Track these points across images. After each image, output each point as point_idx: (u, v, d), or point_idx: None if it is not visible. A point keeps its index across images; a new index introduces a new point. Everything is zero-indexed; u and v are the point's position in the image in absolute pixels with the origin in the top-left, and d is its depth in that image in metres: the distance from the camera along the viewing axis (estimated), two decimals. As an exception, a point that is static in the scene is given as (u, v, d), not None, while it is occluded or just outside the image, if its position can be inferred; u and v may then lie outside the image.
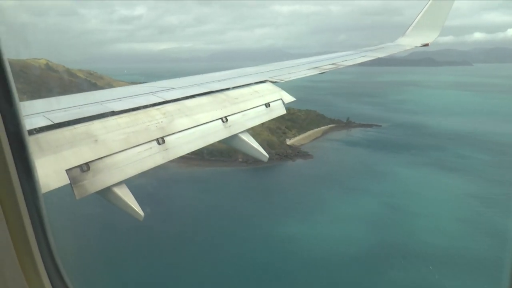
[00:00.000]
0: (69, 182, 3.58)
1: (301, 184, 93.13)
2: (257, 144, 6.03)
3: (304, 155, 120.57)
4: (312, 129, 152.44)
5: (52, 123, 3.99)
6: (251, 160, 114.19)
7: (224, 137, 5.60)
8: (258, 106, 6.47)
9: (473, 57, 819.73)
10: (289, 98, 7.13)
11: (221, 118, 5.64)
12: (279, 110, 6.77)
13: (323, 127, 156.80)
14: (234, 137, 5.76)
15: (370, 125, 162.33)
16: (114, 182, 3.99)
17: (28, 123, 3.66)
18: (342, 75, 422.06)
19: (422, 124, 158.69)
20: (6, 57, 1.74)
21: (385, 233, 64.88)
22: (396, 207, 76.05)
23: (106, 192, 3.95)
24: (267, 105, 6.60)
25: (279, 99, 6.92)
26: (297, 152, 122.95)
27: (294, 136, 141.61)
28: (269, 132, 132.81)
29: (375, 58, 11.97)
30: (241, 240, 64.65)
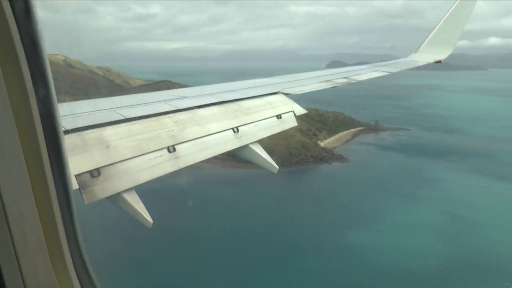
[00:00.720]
0: (78, 187, 3.55)
1: (346, 189, 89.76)
2: (268, 155, 5.89)
3: (339, 158, 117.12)
4: (341, 131, 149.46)
5: (64, 129, 3.88)
6: (286, 162, 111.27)
7: (235, 147, 5.46)
8: (269, 118, 6.39)
9: (488, 62, 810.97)
10: (300, 110, 7.01)
11: (233, 128, 5.57)
12: (290, 122, 6.70)
13: (352, 130, 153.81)
14: (245, 147, 5.63)
15: (399, 129, 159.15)
16: (124, 188, 3.92)
17: None
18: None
19: (453, 129, 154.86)
20: (47, 58, 1.76)
21: (454, 244, 61.51)
22: (459, 216, 72.45)
23: (116, 198, 3.89)
24: (279, 116, 6.53)
25: (291, 111, 6.81)
26: (331, 155, 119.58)
27: (325, 138, 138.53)
28: (301, 133, 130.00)
29: (387, 73, 11.76)
30: (306, 250, 61.15)
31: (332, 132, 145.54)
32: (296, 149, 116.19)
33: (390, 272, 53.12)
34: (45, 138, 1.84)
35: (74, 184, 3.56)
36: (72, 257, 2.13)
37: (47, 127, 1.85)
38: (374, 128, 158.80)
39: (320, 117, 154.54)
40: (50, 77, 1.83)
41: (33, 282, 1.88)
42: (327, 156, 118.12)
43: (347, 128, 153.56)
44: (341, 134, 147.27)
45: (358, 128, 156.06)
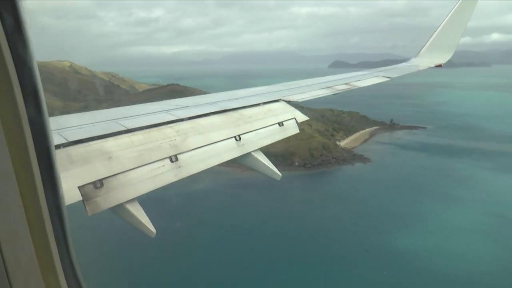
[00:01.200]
0: (81, 198, 3.61)
1: (378, 191, 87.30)
2: (270, 163, 5.75)
3: (361, 158, 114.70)
4: (357, 131, 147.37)
5: (66, 141, 4.02)
6: (308, 164, 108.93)
7: (237, 156, 5.43)
8: (271, 125, 6.31)
9: (491, 58, 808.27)
10: (302, 118, 7.01)
11: (235, 137, 5.56)
12: (292, 129, 6.62)
13: (368, 129, 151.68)
14: (248, 155, 5.58)
15: (415, 127, 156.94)
16: (127, 199, 3.96)
17: None
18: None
19: (470, 126, 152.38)
20: (39, 75, 1.77)
21: (504, 246, 58.90)
22: (502, 217, 69.90)
23: (119, 209, 3.92)
24: (281, 124, 6.46)
25: (293, 118, 6.79)
26: (352, 156, 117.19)
27: (343, 138, 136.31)
28: (319, 134, 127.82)
29: (388, 79, 11.72)
30: (352, 256, 58.74)
31: (349, 132, 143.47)
32: (317, 150, 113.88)
33: (443, 277, 50.64)
34: (36, 156, 1.82)
35: (77, 196, 3.58)
36: (65, 277, 2.10)
37: (38, 144, 1.83)
38: (389, 127, 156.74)
39: (335, 117, 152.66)
40: (41, 93, 1.81)
41: None
42: (348, 156, 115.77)
43: (363, 128, 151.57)
44: (358, 134, 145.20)
45: (373, 127, 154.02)
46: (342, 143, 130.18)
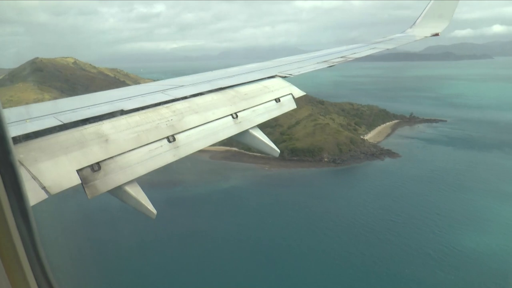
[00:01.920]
0: (80, 182, 3.58)
1: (417, 187, 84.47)
2: (268, 139, 5.78)
3: (390, 153, 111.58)
4: (378, 125, 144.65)
5: (62, 123, 4.00)
6: (338, 159, 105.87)
7: (235, 133, 5.45)
8: (268, 102, 6.34)
9: (492, 50, 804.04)
10: (299, 93, 6.88)
11: (231, 115, 5.56)
12: (289, 105, 6.63)
13: (388, 123, 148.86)
14: (245, 133, 5.60)
15: (435, 120, 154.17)
16: (126, 181, 3.95)
17: (38, 124, 3.90)
18: (375, 70, 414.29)
19: (491, 119, 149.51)
20: None
21: None
22: None
23: (118, 191, 3.93)
24: (277, 100, 6.47)
25: (289, 94, 6.74)
26: (380, 150, 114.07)
27: (365, 132, 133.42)
28: (342, 128, 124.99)
29: (384, 49, 11.45)
30: (420, 258, 55.74)
31: (370, 126, 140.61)
32: (345, 145, 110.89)
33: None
34: None
35: (77, 179, 3.55)
36: (34, 275, 2.06)
37: None
38: (409, 120, 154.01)
39: (355, 111, 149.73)
40: None
41: None
42: (376, 151, 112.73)
43: (383, 122, 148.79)
44: (379, 128, 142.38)
45: (393, 121, 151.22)
46: (366, 138, 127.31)
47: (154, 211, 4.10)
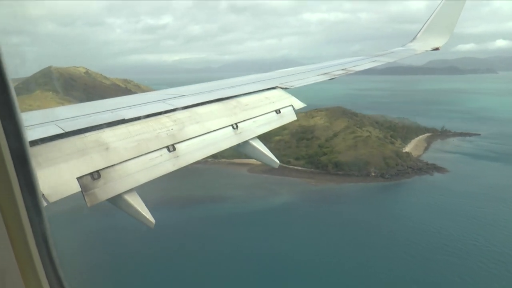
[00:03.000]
0: (80, 190, 3.61)
1: (481, 204, 78.91)
2: (268, 150, 5.69)
3: (436, 168, 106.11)
4: (412, 138, 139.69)
5: (63, 132, 4.01)
6: (386, 174, 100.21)
7: (235, 144, 5.47)
8: (268, 113, 6.28)
9: (495, 65, 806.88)
10: (299, 104, 6.84)
11: (232, 125, 5.58)
12: (289, 117, 6.58)
13: (421, 136, 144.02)
14: (245, 143, 5.61)
15: (468, 134, 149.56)
16: (125, 190, 3.98)
17: (40, 131, 3.91)
18: (382, 83, 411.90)
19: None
20: (7, 67, 1.74)
21: None
22: None
23: (117, 200, 3.95)
24: (278, 111, 6.41)
25: (290, 105, 6.70)
26: (426, 165, 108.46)
27: (402, 146, 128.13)
28: (379, 141, 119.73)
29: (385, 62, 11.44)
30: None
31: (405, 139, 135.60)
32: (392, 159, 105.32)
33: None
34: (11, 155, 1.81)
35: (77, 187, 3.58)
36: (47, 276, 2.09)
37: (13, 143, 1.83)
38: (441, 133, 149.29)
39: (388, 123, 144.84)
40: (11, 90, 1.80)
41: None
42: (423, 166, 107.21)
43: (417, 135, 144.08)
44: (414, 141, 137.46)
45: (426, 134, 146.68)
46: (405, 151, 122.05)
47: (153, 220, 4.01)
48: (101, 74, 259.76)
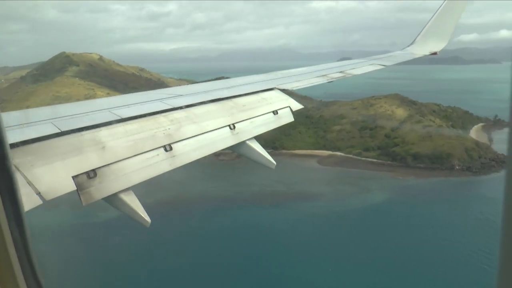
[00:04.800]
0: (75, 188, 3.59)
1: None
2: (265, 151, 5.68)
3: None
4: (469, 127, 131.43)
5: (60, 131, 4.02)
6: (473, 167, 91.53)
7: (232, 144, 5.45)
8: (266, 114, 6.27)
9: (498, 55, 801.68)
10: (297, 106, 6.84)
11: (229, 125, 5.55)
12: (286, 118, 6.53)
13: (475, 126, 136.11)
14: (242, 144, 5.57)
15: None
16: (121, 189, 3.96)
17: (36, 130, 3.95)
18: (396, 73, 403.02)
19: None
20: None
21: None
22: None
23: (113, 199, 3.93)
24: (275, 112, 6.40)
25: (287, 106, 6.70)
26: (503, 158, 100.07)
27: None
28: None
29: (383, 67, 11.34)
30: None
31: (464, 129, 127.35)
32: (475, 151, 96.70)
33: None
34: None
35: (72, 186, 3.54)
36: (26, 282, 2.05)
37: None
38: (494, 123, 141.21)
39: (443, 112, 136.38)
40: None
41: None
42: (504, 158, 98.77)
43: (472, 124, 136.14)
44: (472, 131, 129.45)
45: (480, 124, 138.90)
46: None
47: (148, 219, 3.98)
48: (113, 61, 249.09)
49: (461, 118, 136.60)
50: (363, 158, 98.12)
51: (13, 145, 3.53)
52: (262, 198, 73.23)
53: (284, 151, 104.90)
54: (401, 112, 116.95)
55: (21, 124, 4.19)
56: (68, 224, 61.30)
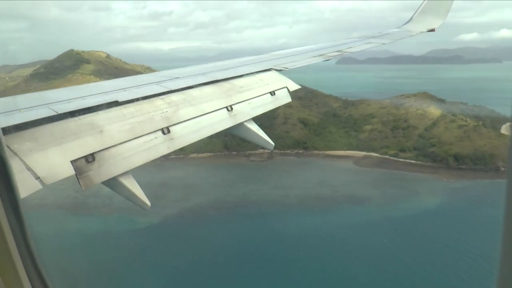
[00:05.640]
0: (74, 173, 3.56)
1: None
2: (263, 132, 5.69)
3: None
4: (498, 126, 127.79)
5: (56, 114, 3.97)
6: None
7: (230, 126, 5.44)
8: (263, 95, 6.26)
9: (499, 55, 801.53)
10: (294, 86, 6.83)
11: (226, 107, 5.53)
12: (284, 99, 6.56)
13: (504, 125, 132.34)
14: (240, 125, 5.58)
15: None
16: (120, 173, 3.93)
17: (33, 114, 3.87)
18: (398, 72, 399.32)
19: None
20: None
21: None
22: None
23: (112, 183, 3.92)
24: (272, 93, 6.39)
25: (284, 87, 6.69)
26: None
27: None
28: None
29: (380, 44, 11.42)
30: None
31: (494, 128, 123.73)
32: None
33: None
34: None
35: (71, 170, 3.52)
36: (27, 272, 2.06)
37: None
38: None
39: (471, 111, 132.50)
40: None
41: None
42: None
43: (500, 123, 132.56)
44: (503, 130, 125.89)
45: (508, 124, 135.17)
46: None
47: (148, 203, 3.95)
48: (120, 60, 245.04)
49: (488, 117, 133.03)
50: (401, 160, 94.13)
51: (8, 131, 3.43)
52: (309, 202, 69.20)
53: (316, 151, 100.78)
54: (433, 111, 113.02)
55: (17, 109, 4.03)
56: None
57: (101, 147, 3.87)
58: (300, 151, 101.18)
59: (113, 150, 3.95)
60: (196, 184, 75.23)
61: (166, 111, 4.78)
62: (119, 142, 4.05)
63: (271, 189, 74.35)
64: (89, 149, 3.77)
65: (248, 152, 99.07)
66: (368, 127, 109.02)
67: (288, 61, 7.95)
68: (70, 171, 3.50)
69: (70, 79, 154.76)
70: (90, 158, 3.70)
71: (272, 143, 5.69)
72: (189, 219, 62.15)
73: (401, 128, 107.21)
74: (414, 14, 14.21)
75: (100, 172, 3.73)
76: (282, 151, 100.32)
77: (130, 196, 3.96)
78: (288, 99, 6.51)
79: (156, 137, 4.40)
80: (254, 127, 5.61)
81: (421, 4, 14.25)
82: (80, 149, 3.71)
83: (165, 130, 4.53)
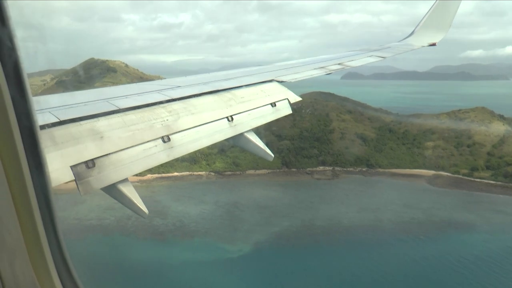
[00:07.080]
0: (73, 178, 3.58)
1: None
2: (263, 143, 5.61)
3: None
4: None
5: (58, 120, 3.97)
6: None
7: (230, 136, 5.43)
8: (264, 106, 6.23)
9: (505, 72, 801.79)
10: (295, 98, 6.81)
11: (227, 117, 5.51)
12: (285, 110, 6.51)
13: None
14: (240, 136, 5.56)
15: None
16: (119, 179, 3.96)
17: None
18: (408, 87, 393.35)
19: None
20: (18, 48, 1.76)
21: None
22: None
23: (111, 189, 3.95)
24: (273, 104, 6.36)
25: (285, 98, 6.65)
26: None
27: None
28: None
29: (382, 58, 11.24)
30: None
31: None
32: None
33: None
34: (21, 137, 1.84)
35: (70, 176, 3.54)
36: (53, 257, 2.14)
37: (23, 125, 1.85)
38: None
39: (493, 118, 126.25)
40: (24, 74, 1.83)
41: (11, 282, 1.93)
42: None
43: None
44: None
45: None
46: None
47: (146, 210, 3.97)
48: (137, 70, 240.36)
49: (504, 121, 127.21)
50: (477, 180, 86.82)
51: None
52: (408, 227, 61.71)
53: (380, 169, 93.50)
54: (497, 127, 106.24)
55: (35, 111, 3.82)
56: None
57: (101, 153, 3.84)
58: (364, 169, 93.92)
59: (113, 156, 3.91)
60: (271, 205, 67.78)
61: (167, 120, 4.76)
62: (119, 149, 4.00)
63: (358, 212, 66.82)
64: (90, 155, 3.74)
65: (309, 169, 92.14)
66: (430, 143, 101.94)
67: (289, 72, 7.82)
68: (70, 176, 3.49)
69: (98, 87, 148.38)
70: (90, 163, 3.68)
71: (272, 155, 5.59)
72: (287, 247, 54.54)
73: (466, 145, 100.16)
74: (415, 28, 14.07)
75: (100, 178, 3.70)
76: (345, 169, 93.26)
77: (127, 203, 3.93)
78: (288, 110, 6.47)
79: (156, 145, 4.39)
80: (254, 138, 5.54)
81: (423, 18, 14.10)
82: (81, 154, 3.67)
83: (165, 138, 4.52)
